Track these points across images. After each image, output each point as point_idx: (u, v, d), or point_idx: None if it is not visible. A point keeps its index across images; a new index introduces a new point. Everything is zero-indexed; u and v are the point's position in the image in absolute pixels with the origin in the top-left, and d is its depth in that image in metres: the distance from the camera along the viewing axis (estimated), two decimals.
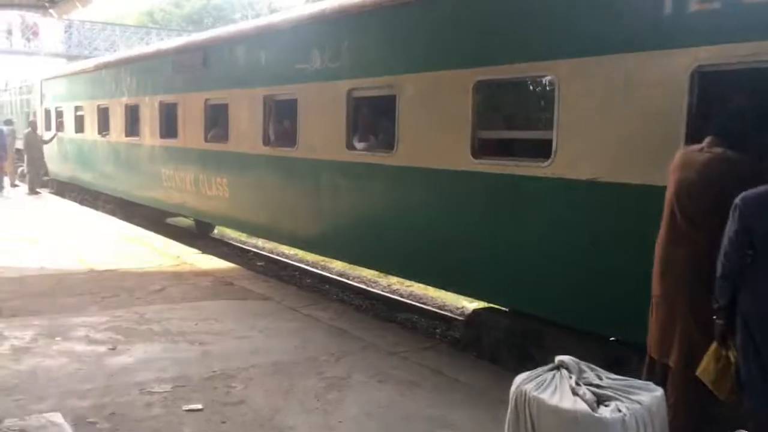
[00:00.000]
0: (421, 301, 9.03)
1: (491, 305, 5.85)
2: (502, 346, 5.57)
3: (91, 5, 14.55)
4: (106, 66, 13.49)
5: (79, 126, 14.77)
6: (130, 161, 12.47)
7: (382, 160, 6.47)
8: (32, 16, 31.40)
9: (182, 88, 10.42)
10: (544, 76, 5.53)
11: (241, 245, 12.67)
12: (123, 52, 13.47)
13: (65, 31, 32.43)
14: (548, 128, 5.01)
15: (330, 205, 7.27)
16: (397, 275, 8.56)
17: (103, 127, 13.40)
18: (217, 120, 9.70)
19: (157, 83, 11.32)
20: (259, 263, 11.13)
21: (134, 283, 7.31)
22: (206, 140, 9.74)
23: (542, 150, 4.98)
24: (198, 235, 12.66)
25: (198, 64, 9.88)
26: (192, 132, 10.12)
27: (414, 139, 6.08)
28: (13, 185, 16.74)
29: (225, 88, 9.20)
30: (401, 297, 9.14)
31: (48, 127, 16.97)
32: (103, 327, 5.61)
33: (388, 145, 6.44)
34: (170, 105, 10.84)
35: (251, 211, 8.94)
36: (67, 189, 16.45)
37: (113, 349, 5.07)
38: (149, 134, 11.58)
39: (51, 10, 15.30)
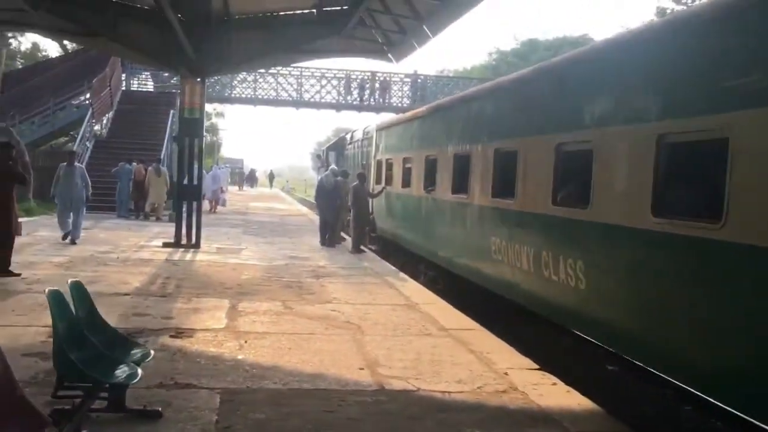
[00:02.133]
0: None
1: None
2: None
3: (427, 46, 12.95)
4: (437, 109, 11.60)
5: (406, 179, 13.17)
6: (455, 224, 10.19)
7: None
8: (382, 75, 32.72)
9: (522, 131, 7.73)
10: None
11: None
12: (458, 95, 11.69)
13: (411, 86, 33.13)
14: None
15: None
16: None
17: (429, 181, 11.44)
18: (570, 174, 6.73)
19: (492, 125, 8.83)
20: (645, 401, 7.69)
21: (433, 426, 4.62)
22: (555, 202, 6.82)
23: None
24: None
25: (552, 95, 7.09)
26: (534, 190, 7.32)
27: None
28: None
29: (594, 126, 6.21)
30: None
31: (378, 180, 15.91)
32: None
33: None
34: (506, 154, 8.23)
35: (623, 313, 5.70)
36: (393, 249, 15.05)
37: None
38: (479, 191, 9.12)
39: (389, 54, 14.17)
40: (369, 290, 9.77)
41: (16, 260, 9.71)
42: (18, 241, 11.24)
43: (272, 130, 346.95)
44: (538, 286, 7.20)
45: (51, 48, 41.18)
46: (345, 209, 16.70)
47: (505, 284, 8.17)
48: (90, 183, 13.98)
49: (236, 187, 52.18)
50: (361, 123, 31.31)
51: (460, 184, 9.89)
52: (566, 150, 6.79)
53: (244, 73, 31.83)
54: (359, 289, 9.77)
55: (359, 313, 8.12)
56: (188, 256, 12.40)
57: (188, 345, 6.18)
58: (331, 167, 16.56)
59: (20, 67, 34.31)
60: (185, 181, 13.71)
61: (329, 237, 15.67)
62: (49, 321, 4.24)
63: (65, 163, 13.84)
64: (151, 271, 10.28)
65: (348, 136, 26.18)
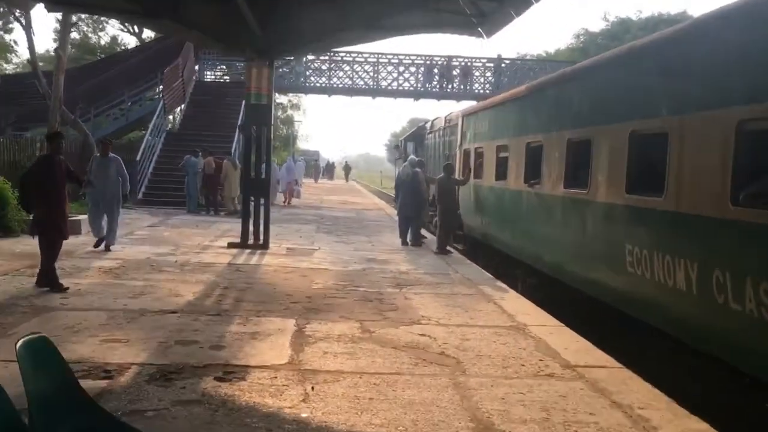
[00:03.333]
0: None
1: None
2: None
3: (513, 25, 11.11)
4: (544, 87, 9.73)
5: (501, 171, 11.36)
6: (569, 225, 8.35)
7: None
8: (463, 60, 30.76)
9: (680, 107, 5.82)
10: None
11: None
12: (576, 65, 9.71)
13: (494, 71, 31.02)
14: None
15: None
16: None
17: (532, 172, 9.61)
18: (759, 164, 4.83)
19: (629, 101, 6.94)
20: None
21: None
22: (736, 202, 4.93)
23: None
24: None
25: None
26: (697, 184, 5.43)
27: None
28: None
29: None
30: None
31: (464, 172, 14.14)
32: None
33: None
34: (649, 138, 6.34)
35: None
36: (481, 249, 13.28)
37: None
38: (605, 186, 7.25)
39: (480, 28, 12.33)
40: (463, 305, 8.06)
41: (61, 265, 8.54)
42: (72, 240, 10.22)
43: (346, 121, 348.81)
44: (703, 314, 5.31)
45: (130, 42, 41.08)
46: (426, 204, 15.03)
47: (648, 307, 6.29)
48: (128, 177, 11.67)
49: (312, 179, 51.37)
50: (439, 112, 29.48)
51: (577, 176, 8.03)
52: (753, 129, 4.88)
53: (318, 61, 30.62)
54: (451, 304, 8.08)
55: (455, 339, 6.43)
56: (254, 259, 11.02)
57: (237, 393, 4.66)
58: (409, 158, 14.92)
59: (95, 59, 34.18)
60: (252, 175, 12.38)
61: (411, 236, 14.05)
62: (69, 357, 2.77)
63: (98, 154, 11.80)
64: (209, 279, 8.92)
65: (428, 126, 24.42)
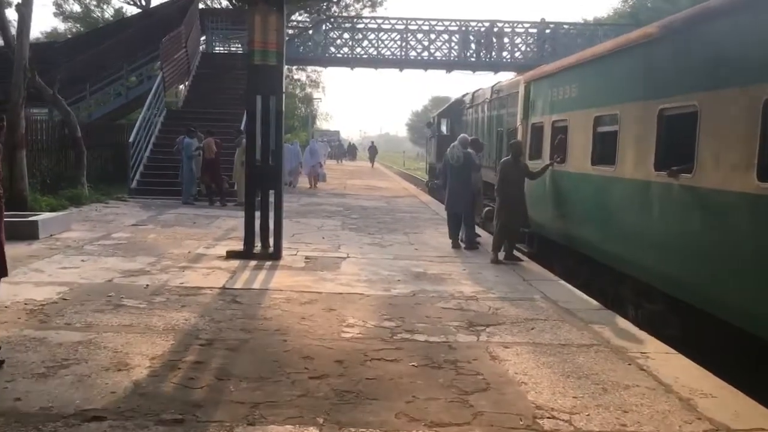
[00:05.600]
0: None
1: None
2: None
3: None
4: (710, 14, 6.36)
5: (601, 152, 8.16)
6: (754, 236, 5.15)
7: None
8: (502, 23, 27.28)
9: None
10: None
11: None
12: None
13: (538, 37, 27.46)
14: None
15: None
16: None
17: (675, 155, 6.39)
18: None
19: None
20: None
21: None
22: None
23: None
24: None
25: None
26: None
27: None
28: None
29: None
30: None
31: (535, 154, 10.92)
32: None
33: None
34: None
35: None
36: (557, 252, 10.13)
37: None
38: None
39: None
40: (589, 371, 4.92)
41: None
42: (28, 248, 7.41)
43: (366, 100, 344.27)
44: None
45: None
46: (481, 195, 11.85)
47: None
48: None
49: (334, 161, 48.33)
50: (468, 88, 25.98)
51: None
52: None
53: (340, 29, 27.31)
54: (569, 370, 4.94)
55: None
56: (259, 279, 7.96)
57: None
58: (461, 136, 11.68)
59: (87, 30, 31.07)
60: (258, 161, 9.29)
61: (465, 235, 10.91)
62: None
63: None
64: (186, 325, 5.83)
65: (466, 99, 21.15)
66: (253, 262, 8.86)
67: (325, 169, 27.45)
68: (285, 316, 6.24)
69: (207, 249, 9.89)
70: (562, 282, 8.44)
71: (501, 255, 9.64)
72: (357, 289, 7.54)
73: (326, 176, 26.05)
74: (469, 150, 11.05)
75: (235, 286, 7.44)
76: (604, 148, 8.02)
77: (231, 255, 9.15)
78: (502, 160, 10.28)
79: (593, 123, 8.27)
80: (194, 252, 9.56)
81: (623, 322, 6.50)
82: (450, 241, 10.99)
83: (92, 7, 38.37)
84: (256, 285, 7.59)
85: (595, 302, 7.30)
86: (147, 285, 7.26)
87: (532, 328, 6.11)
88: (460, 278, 8.38)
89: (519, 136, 12.03)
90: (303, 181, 23.84)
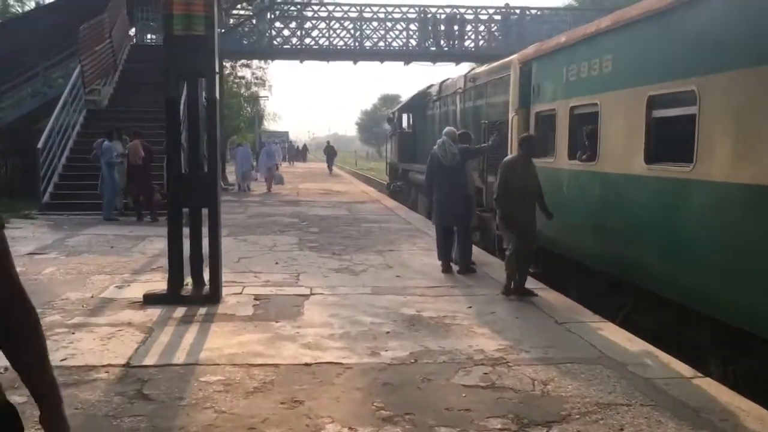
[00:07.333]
0: None
1: None
2: None
3: None
4: None
5: (630, 147, 5.95)
6: None
7: None
8: (464, 9, 25.17)
9: None
10: None
11: None
12: None
13: (502, 24, 25.37)
14: None
15: None
16: None
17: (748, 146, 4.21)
18: None
19: None
20: None
21: None
22: None
23: None
24: None
25: None
26: None
27: None
28: None
29: None
30: None
31: (542, 150, 8.66)
32: None
33: None
34: None
35: None
36: (569, 273, 7.93)
37: None
38: None
39: None
40: None
41: None
42: None
43: (314, 99, 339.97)
44: None
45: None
46: (474, 201, 9.54)
47: None
48: None
49: (286, 163, 45.74)
50: (421, 84, 23.66)
51: None
52: None
53: (286, 16, 24.72)
54: None
55: None
56: (186, 343, 5.43)
57: None
58: (446, 130, 9.35)
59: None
60: (183, 169, 6.77)
61: (459, 256, 8.61)
62: None
63: None
64: None
65: (432, 90, 18.80)
66: (180, 310, 6.34)
67: (280, 171, 26.08)
68: (221, 426, 3.78)
69: (119, 289, 7.29)
70: (611, 324, 6.18)
71: (522, 288, 7.31)
72: (331, 353, 5.13)
73: (283, 178, 24.81)
74: (465, 146, 8.86)
75: (146, 362, 4.91)
76: (631, 142, 5.80)
77: (150, 300, 6.59)
78: (506, 159, 7.95)
79: (646, 106, 6.02)
80: (99, 295, 6.96)
81: (752, 407, 4.25)
82: (439, 263, 8.68)
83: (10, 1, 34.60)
84: (180, 357, 5.06)
85: (683, 366, 5.01)
86: (7, 368, 4.68)
87: (621, 430, 3.81)
88: (471, 324, 6.06)
89: (512, 129, 9.82)
90: (255, 185, 22.97)
